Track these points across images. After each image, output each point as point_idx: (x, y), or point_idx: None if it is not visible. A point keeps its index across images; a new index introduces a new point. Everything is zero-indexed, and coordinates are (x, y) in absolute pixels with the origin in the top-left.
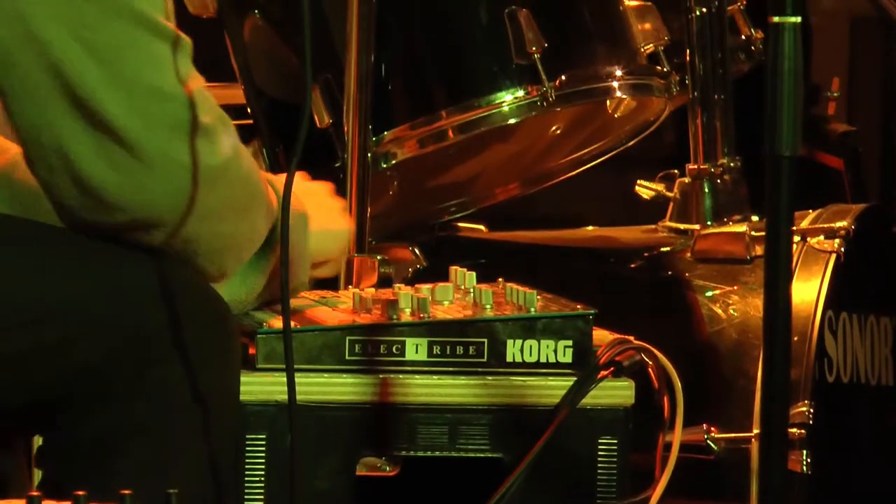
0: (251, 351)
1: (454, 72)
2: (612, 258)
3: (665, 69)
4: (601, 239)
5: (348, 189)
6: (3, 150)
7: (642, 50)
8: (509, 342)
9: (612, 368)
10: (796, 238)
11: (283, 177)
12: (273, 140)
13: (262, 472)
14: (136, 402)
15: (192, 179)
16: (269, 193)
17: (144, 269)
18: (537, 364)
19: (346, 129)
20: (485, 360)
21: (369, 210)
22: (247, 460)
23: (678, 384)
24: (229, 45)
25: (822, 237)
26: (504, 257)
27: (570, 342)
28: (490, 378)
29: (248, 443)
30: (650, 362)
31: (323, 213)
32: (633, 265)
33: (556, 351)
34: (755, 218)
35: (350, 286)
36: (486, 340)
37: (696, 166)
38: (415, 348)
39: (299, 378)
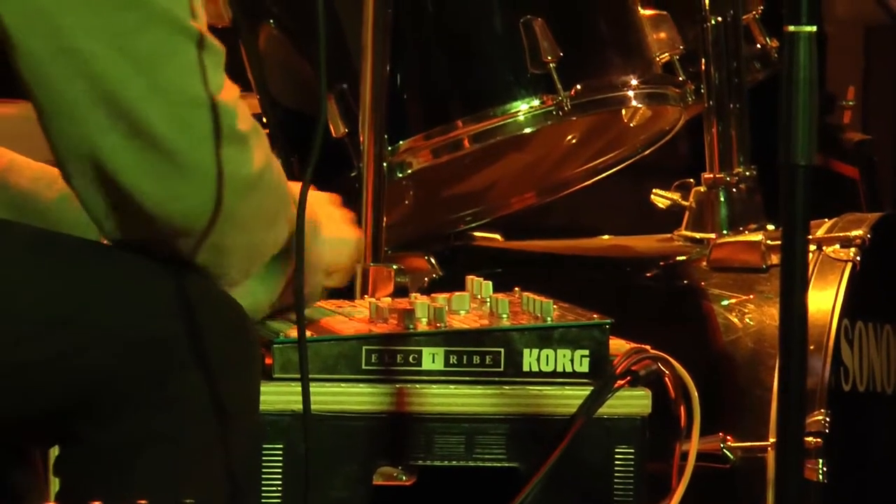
0: (267, 361)
1: (469, 81)
2: (627, 267)
3: (680, 78)
4: (617, 248)
5: (364, 199)
6: None
7: (657, 59)
8: (526, 351)
9: (628, 378)
10: (812, 247)
11: (296, 184)
12: (288, 150)
13: (279, 482)
14: (155, 412)
15: (227, 188)
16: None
17: (163, 277)
18: (554, 373)
19: (361, 138)
20: (501, 369)
21: (385, 220)
22: (263, 470)
23: (694, 393)
24: (244, 55)
25: (837, 246)
26: (520, 267)
27: (586, 351)
28: (506, 387)
29: (264, 452)
30: (666, 371)
31: (332, 222)
32: (648, 274)
33: (572, 360)
34: (771, 227)
35: (366, 296)
36: (502, 350)
37: (711, 175)
38: (431, 358)
39: (315, 388)
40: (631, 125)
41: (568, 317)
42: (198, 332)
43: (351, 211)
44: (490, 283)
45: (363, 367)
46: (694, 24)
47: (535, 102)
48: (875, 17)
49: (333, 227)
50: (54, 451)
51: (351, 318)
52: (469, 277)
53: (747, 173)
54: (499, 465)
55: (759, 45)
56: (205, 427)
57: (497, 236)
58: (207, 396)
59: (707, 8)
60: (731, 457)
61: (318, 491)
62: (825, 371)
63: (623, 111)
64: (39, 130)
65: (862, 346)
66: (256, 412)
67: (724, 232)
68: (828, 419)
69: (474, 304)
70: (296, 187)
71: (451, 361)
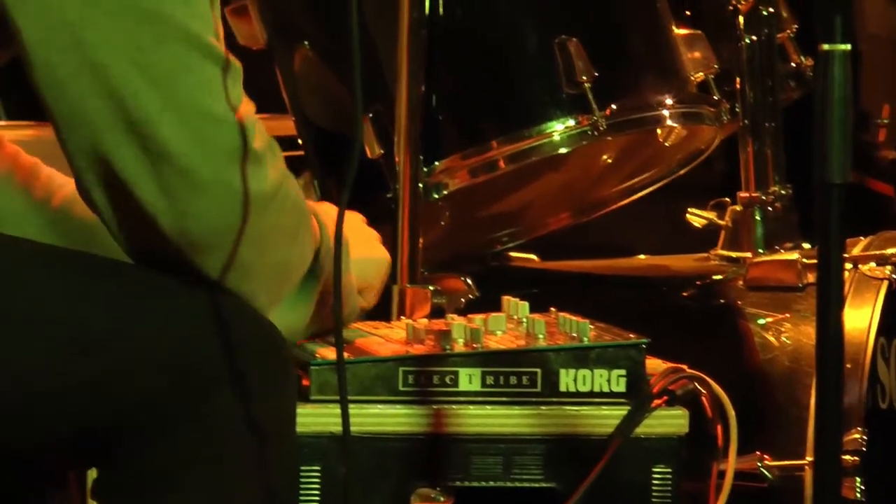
0: (304, 382)
1: (504, 101)
2: (664, 287)
3: (715, 97)
4: (653, 268)
5: (399, 219)
6: (62, 184)
7: (692, 78)
8: (562, 372)
9: (665, 397)
10: (848, 265)
11: (322, 204)
12: (324, 171)
13: None
14: (192, 434)
15: (243, 204)
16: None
17: (197, 299)
18: (591, 393)
19: (396, 159)
20: (538, 389)
21: (421, 241)
22: (301, 492)
23: (731, 412)
24: (279, 77)
25: (873, 264)
26: (556, 287)
27: (623, 371)
28: (543, 408)
29: (301, 474)
30: (703, 391)
31: (361, 241)
32: (685, 294)
33: (609, 380)
34: (807, 245)
35: (402, 317)
36: (539, 370)
37: (747, 194)
38: (468, 378)
39: (353, 409)
40: (666, 144)
41: (604, 337)
42: (233, 353)
43: (378, 231)
44: (526, 303)
45: (400, 388)
46: (729, 43)
47: (571, 122)
48: None
49: (361, 246)
50: (92, 474)
51: (387, 340)
52: (505, 298)
53: (783, 192)
54: (536, 485)
55: (793, 64)
56: (242, 448)
57: (533, 256)
58: (244, 418)
59: (742, 27)
60: (769, 476)
61: None
62: (862, 389)
63: (658, 131)
64: None
65: None
66: (293, 433)
67: (760, 251)
68: (865, 437)
69: (511, 325)
70: (332, 209)
71: (487, 382)
